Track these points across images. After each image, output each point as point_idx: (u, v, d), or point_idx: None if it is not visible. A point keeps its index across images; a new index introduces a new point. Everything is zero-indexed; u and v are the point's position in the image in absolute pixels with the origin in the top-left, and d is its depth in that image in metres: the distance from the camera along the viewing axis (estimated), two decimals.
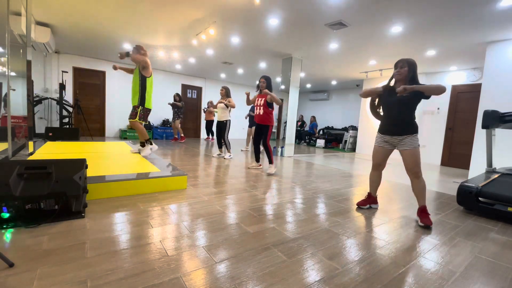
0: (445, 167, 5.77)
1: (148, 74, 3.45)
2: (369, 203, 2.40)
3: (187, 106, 8.79)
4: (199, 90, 9.21)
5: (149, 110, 3.60)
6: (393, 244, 1.67)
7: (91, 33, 4.98)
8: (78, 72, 6.94)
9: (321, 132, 9.80)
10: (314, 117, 10.28)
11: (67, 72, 6.24)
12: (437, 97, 5.67)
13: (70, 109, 6.30)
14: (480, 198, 2.41)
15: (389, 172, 4.51)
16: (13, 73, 3.37)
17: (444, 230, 1.97)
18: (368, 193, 2.42)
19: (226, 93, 4.83)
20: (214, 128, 8.06)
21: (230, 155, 4.87)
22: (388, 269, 1.36)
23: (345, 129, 8.84)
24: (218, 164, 4.16)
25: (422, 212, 2.07)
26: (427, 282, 1.26)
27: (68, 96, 6.73)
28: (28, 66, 3.22)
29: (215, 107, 4.92)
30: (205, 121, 8.05)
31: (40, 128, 6.18)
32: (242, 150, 6.31)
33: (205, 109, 7.68)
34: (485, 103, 4.02)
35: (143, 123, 3.60)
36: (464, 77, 5.78)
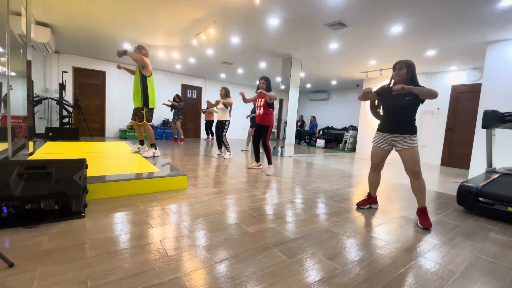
0: (445, 167, 5.77)
1: (148, 73, 3.45)
2: (369, 203, 2.40)
3: (187, 106, 8.79)
4: (199, 90, 9.21)
5: (153, 110, 3.63)
6: (393, 244, 1.67)
7: (91, 33, 4.98)
8: (78, 72, 6.94)
9: (321, 132, 9.79)
10: (314, 117, 10.28)
11: (67, 72, 6.24)
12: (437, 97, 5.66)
13: (70, 109, 6.30)
14: (480, 198, 2.41)
15: (389, 172, 4.51)
16: (13, 73, 3.36)
17: (444, 230, 1.97)
18: (368, 193, 2.42)
19: (225, 94, 4.83)
20: (214, 128, 8.06)
21: (230, 154, 4.88)
22: (388, 269, 1.36)
23: (345, 129, 8.84)
24: (218, 164, 4.16)
25: (422, 213, 2.06)
26: (427, 282, 1.26)
27: (68, 96, 6.73)
28: (28, 66, 3.22)
29: (214, 105, 4.93)
30: (205, 121, 8.05)
31: (40, 128, 6.18)
32: (242, 150, 6.32)
33: (204, 110, 7.68)
34: (485, 103, 4.02)
35: (150, 123, 3.63)
36: (464, 77, 5.78)
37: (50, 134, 5.32)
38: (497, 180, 2.71)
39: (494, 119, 2.78)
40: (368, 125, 7.55)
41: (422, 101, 2.01)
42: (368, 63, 5.84)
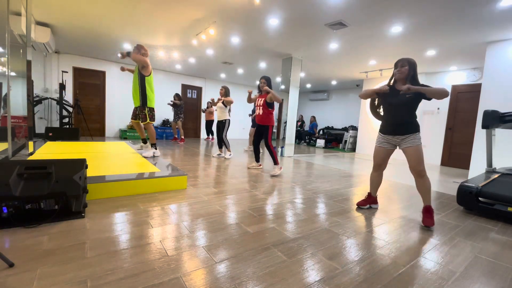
0: (445, 167, 5.77)
1: (147, 73, 3.47)
2: (369, 203, 2.40)
3: (187, 106, 8.79)
4: (199, 90, 9.21)
5: (154, 109, 3.64)
6: (393, 244, 1.67)
7: (91, 33, 4.98)
8: (78, 72, 6.94)
9: (321, 132, 9.79)
10: (314, 117, 10.28)
11: (67, 72, 6.24)
12: None
13: (70, 109, 6.30)
14: (480, 198, 2.41)
15: (389, 172, 4.51)
16: (13, 73, 3.36)
17: (444, 230, 1.97)
18: (368, 193, 2.42)
19: (225, 93, 4.83)
20: (214, 128, 8.07)
21: (230, 154, 4.88)
22: (388, 269, 1.36)
23: (345, 129, 8.84)
24: (218, 164, 4.16)
25: (426, 212, 2.05)
26: (427, 282, 1.26)
27: (68, 96, 6.72)
28: (28, 66, 3.22)
29: (216, 103, 4.93)
30: (205, 121, 8.05)
31: (40, 128, 6.18)
32: (245, 150, 6.37)
33: (204, 110, 7.68)
34: (485, 103, 4.02)
35: (153, 123, 3.63)
36: (464, 77, 5.78)
37: (50, 134, 5.32)
38: (497, 180, 2.71)
39: (494, 119, 2.78)
40: (368, 125, 7.55)
41: (429, 99, 1.99)
42: (368, 63, 5.84)
